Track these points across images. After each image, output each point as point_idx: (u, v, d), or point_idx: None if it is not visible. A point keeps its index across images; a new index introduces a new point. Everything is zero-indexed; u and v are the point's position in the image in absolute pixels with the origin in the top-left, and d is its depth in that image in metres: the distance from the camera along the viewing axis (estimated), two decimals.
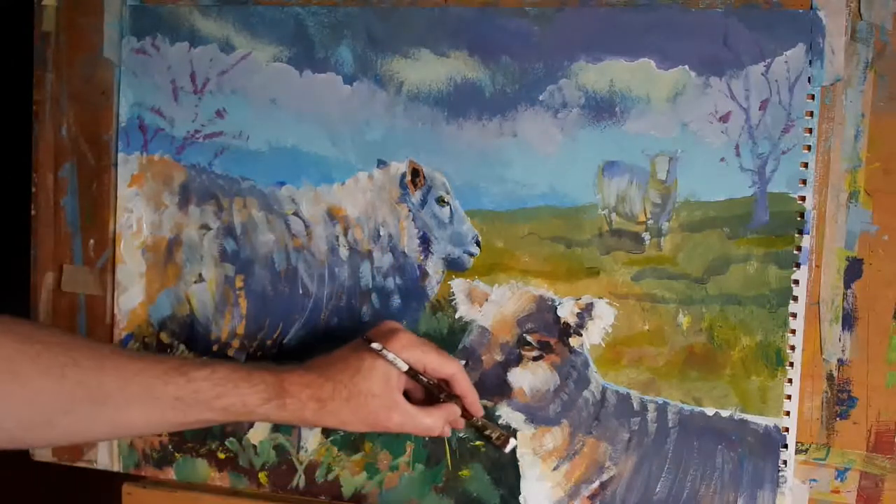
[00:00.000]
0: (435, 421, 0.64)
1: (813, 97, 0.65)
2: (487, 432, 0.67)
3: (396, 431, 0.64)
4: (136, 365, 0.59)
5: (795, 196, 0.65)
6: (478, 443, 0.72)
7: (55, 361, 0.56)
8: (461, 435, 0.72)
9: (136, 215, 0.79)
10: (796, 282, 0.66)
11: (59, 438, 0.61)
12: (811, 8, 0.64)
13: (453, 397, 0.66)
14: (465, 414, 0.66)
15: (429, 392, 0.66)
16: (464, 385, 0.66)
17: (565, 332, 0.70)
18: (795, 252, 0.65)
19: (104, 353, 0.59)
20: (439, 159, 0.72)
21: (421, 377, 0.64)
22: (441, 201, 0.72)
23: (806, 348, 0.66)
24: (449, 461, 0.73)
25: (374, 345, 0.63)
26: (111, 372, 0.58)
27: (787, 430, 0.66)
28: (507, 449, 0.67)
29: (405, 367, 0.63)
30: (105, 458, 0.80)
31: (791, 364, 0.66)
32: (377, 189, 0.74)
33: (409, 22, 0.72)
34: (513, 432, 0.70)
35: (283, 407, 0.62)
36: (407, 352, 0.63)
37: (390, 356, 0.63)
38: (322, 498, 0.75)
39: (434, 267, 0.73)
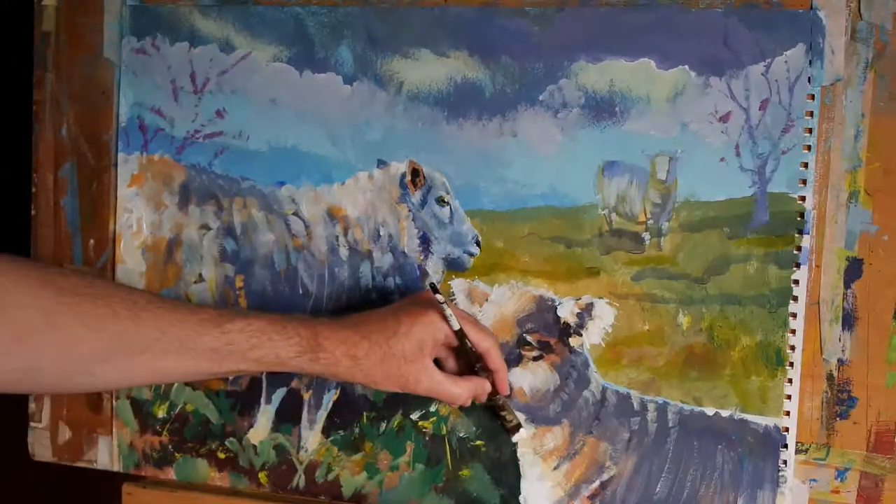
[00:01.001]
0: (462, 391, 0.66)
1: (813, 97, 0.65)
2: (504, 413, 0.69)
3: (423, 395, 0.66)
4: (172, 316, 0.61)
5: (795, 196, 0.65)
6: (478, 442, 0.72)
7: (95, 313, 0.58)
8: (461, 435, 0.72)
9: (136, 215, 0.79)
10: (796, 282, 0.66)
11: (96, 385, 0.63)
12: (811, 8, 0.64)
13: (487, 371, 0.67)
14: (492, 390, 0.68)
15: (459, 364, 0.68)
16: (497, 361, 0.67)
17: (565, 332, 0.70)
18: (795, 252, 0.65)
19: (142, 303, 0.60)
20: (439, 159, 0.72)
21: (466, 341, 0.65)
22: (441, 201, 0.72)
23: (806, 348, 0.66)
24: (449, 461, 0.73)
25: (439, 296, 0.64)
26: (148, 323, 0.59)
27: (787, 429, 0.66)
28: (515, 438, 0.69)
29: (457, 326, 0.64)
30: (105, 458, 0.80)
31: (791, 364, 0.66)
32: (377, 189, 0.74)
33: (409, 22, 0.72)
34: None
35: (317, 361, 0.63)
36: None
37: (448, 311, 0.64)
38: (322, 498, 0.75)
39: (434, 267, 0.73)
